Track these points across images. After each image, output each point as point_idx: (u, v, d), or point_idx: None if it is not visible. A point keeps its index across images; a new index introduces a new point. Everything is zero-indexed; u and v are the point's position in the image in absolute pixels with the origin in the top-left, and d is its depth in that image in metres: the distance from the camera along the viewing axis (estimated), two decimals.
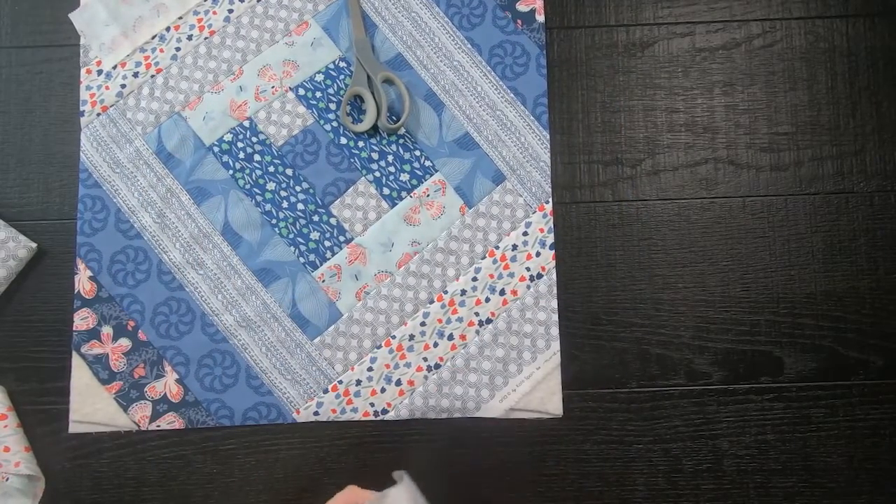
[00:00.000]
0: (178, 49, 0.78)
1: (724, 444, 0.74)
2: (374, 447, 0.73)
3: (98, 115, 0.77)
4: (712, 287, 0.76)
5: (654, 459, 0.73)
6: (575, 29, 0.79)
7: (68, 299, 0.75)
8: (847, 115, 0.78)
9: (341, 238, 0.76)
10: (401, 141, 0.77)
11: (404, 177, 0.76)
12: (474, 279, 0.75)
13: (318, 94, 0.77)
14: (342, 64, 0.78)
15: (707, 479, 0.73)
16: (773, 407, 0.74)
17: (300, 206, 0.76)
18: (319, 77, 0.78)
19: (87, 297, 0.75)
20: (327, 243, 0.76)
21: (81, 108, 0.77)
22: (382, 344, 0.74)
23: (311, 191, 0.76)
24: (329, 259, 0.75)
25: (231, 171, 0.76)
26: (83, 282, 0.75)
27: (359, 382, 0.74)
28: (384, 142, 0.77)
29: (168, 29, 0.78)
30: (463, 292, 0.75)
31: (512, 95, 0.77)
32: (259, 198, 0.76)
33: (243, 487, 0.73)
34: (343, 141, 0.77)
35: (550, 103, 0.78)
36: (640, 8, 0.79)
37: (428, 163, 0.77)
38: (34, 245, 0.75)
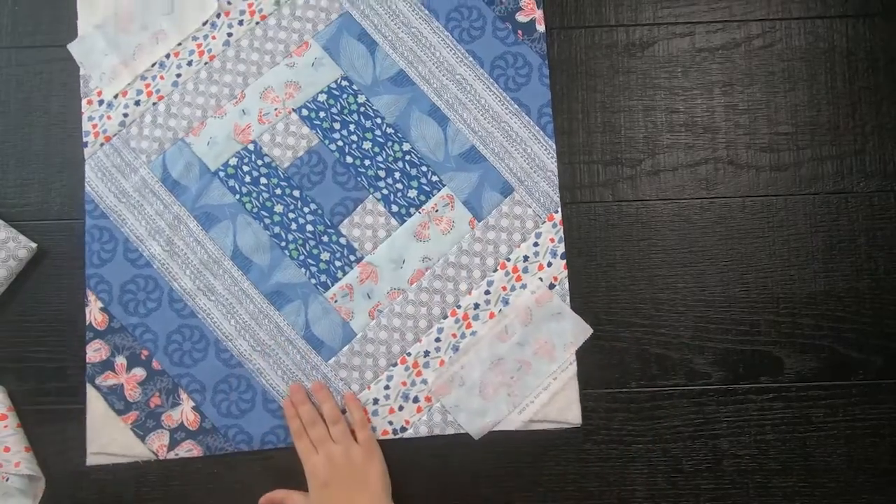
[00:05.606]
0: (178, 75, 0.77)
1: (724, 444, 0.74)
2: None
3: (101, 145, 0.76)
4: (712, 287, 0.76)
5: (654, 459, 0.74)
6: (575, 29, 0.79)
7: (68, 299, 0.75)
8: (847, 115, 0.78)
9: (352, 257, 0.75)
10: (407, 157, 0.77)
11: (412, 193, 0.76)
12: (487, 292, 0.75)
13: (322, 114, 0.77)
14: (344, 83, 0.78)
15: (707, 479, 0.74)
16: (773, 407, 0.74)
17: (309, 227, 0.76)
18: (322, 97, 0.77)
19: (98, 328, 0.74)
20: (338, 263, 0.75)
21: (84, 140, 0.76)
22: (398, 361, 0.74)
23: (319, 211, 0.76)
24: (340, 279, 0.75)
25: (238, 196, 0.76)
26: (94, 313, 0.74)
27: (376, 401, 0.74)
28: (390, 158, 0.77)
29: (168, 56, 0.77)
30: (476, 306, 0.75)
31: (516, 106, 0.77)
32: (267, 221, 0.76)
33: (244, 488, 0.72)
34: (349, 160, 0.76)
35: (550, 104, 0.77)
36: (640, 8, 0.79)
37: (435, 178, 0.76)
38: (34, 245, 0.74)
